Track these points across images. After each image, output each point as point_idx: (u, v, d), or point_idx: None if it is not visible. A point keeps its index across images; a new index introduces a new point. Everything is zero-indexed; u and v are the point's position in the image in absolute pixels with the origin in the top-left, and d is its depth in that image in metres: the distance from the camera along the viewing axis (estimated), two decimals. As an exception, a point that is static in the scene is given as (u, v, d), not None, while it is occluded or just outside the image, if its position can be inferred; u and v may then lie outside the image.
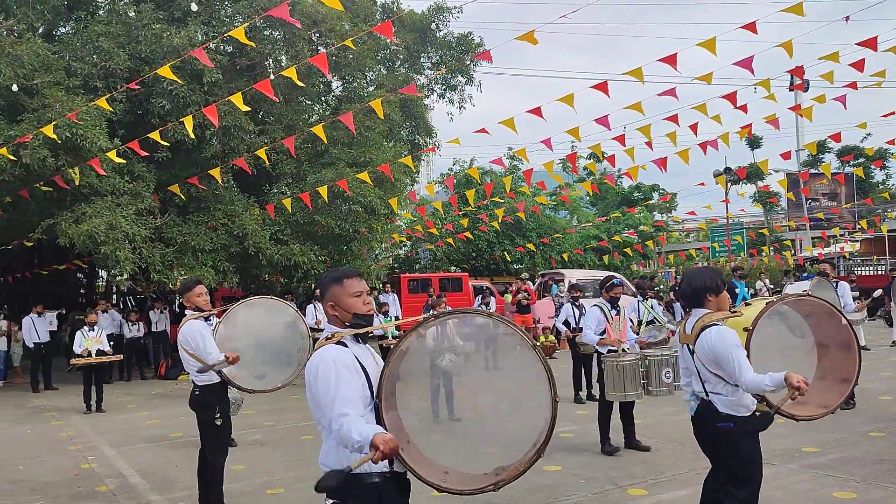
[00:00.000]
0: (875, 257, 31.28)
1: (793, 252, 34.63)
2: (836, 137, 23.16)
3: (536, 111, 11.28)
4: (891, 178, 48.56)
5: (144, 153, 12.21)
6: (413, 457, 2.99)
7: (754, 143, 46.34)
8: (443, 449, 3.19)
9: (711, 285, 4.29)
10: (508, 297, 19.36)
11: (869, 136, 43.25)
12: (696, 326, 4.27)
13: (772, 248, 38.71)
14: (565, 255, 29.19)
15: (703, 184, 74.69)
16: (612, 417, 7.68)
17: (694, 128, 13.12)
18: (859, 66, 11.18)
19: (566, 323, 12.40)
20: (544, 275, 23.49)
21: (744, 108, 12.58)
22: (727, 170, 32.56)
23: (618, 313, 8.17)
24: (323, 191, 14.13)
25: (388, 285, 21.50)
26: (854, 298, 17.79)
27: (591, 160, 31.30)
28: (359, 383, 2.95)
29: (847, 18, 10.76)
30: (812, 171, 33.04)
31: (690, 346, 4.31)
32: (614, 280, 8.27)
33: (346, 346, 3.04)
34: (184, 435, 9.36)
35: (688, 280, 4.45)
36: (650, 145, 13.09)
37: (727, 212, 36.13)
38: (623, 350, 7.81)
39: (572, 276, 22.02)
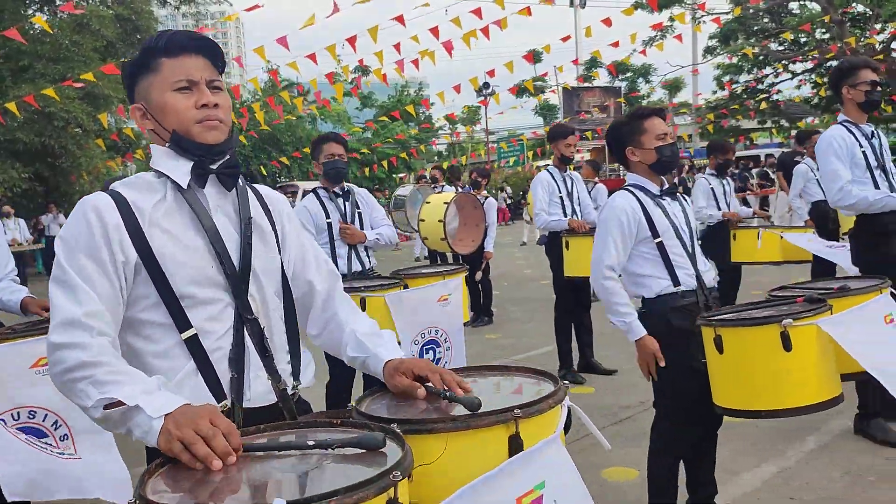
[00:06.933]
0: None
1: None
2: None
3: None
4: (654, 93, 53.40)
5: None
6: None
7: (536, 57, 49.01)
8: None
9: None
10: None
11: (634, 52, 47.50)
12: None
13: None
14: (325, 168, 29.91)
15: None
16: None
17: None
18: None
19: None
20: (283, 187, 24.52)
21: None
22: (485, 85, 35.04)
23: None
24: (12, 106, 14.14)
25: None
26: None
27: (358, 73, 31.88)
28: None
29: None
30: (585, 84, 36.29)
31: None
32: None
33: None
34: None
35: None
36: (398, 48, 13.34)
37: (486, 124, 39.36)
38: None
39: (307, 186, 23.33)
